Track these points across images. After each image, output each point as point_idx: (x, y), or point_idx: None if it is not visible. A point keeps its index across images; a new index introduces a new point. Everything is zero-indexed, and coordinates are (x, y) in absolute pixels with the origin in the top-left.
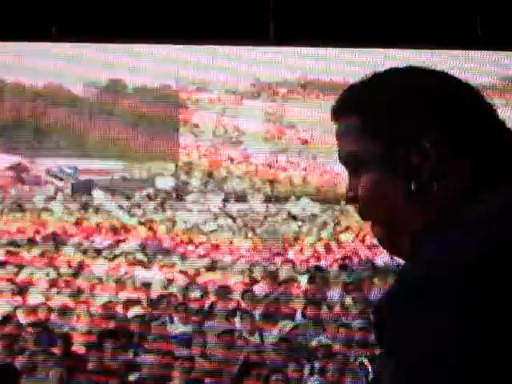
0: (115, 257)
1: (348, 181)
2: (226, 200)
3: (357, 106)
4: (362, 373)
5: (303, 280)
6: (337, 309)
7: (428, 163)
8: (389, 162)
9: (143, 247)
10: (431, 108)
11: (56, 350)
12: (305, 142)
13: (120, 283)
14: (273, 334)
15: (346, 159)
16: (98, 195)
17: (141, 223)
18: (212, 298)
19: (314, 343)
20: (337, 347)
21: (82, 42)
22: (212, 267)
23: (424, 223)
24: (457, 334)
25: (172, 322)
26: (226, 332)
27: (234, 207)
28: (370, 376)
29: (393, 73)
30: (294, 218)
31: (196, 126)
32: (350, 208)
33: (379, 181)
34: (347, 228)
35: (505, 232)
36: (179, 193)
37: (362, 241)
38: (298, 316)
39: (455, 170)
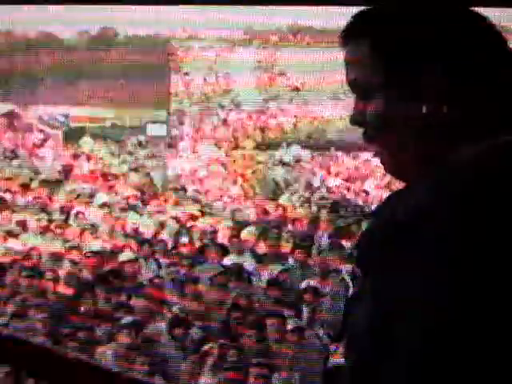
0: (106, 203)
1: (354, 103)
2: (217, 146)
3: (369, 31)
4: (342, 290)
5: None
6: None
7: (439, 89)
8: (399, 86)
9: (135, 193)
10: (446, 39)
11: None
12: (296, 88)
13: (112, 230)
14: (263, 277)
15: (356, 83)
16: (89, 142)
17: (132, 170)
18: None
19: (302, 286)
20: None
21: None
22: (203, 213)
23: (427, 151)
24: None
25: (159, 266)
26: (219, 274)
27: (225, 154)
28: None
29: (407, 2)
30: (285, 164)
31: (187, 74)
32: (340, 154)
33: (389, 105)
34: (337, 174)
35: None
36: (171, 140)
37: (348, 188)
38: (290, 260)
39: (466, 103)
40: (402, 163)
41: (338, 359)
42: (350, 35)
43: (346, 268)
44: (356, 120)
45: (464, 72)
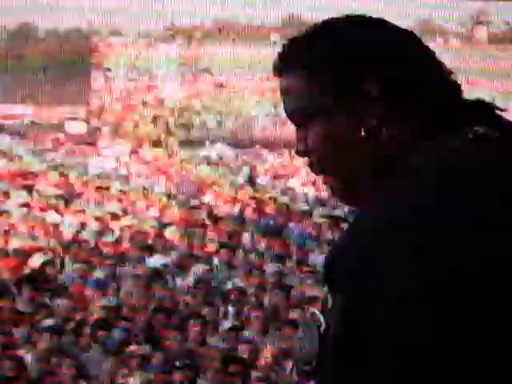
0: (25, 203)
1: (296, 134)
2: (139, 145)
3: (302, 61)
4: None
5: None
6: (251, 255)
7: (376, 109)
8: (338, 111)
9: (55, 192)
10: (379, 58)
11: None
12: (220, 85)
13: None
14: (187, 278)
15: (293, 113)
16: (5, 140)
17: (51, 168)
18: (126, 242)
19: (228, 287)
20: (251, 291)
21: None
22: (126, 212)
23: (373, 170)
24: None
25: (89, 267)
26: (142, 276)
27: (148, 152)
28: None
29: (336, 24)
30: (209, 162)
31: (108, 69)
32: (264, 152)
33: (330, 130)
34: (265, 171)
35: (438, 186)
36: (90, 137)
37: (273, 186)
38: (214, 260)
39: (403, 117)
40: (354, 189)
41: None
42: (283, 67)
43: (269, 269)
44: (300, 152)
45: (400, 92)
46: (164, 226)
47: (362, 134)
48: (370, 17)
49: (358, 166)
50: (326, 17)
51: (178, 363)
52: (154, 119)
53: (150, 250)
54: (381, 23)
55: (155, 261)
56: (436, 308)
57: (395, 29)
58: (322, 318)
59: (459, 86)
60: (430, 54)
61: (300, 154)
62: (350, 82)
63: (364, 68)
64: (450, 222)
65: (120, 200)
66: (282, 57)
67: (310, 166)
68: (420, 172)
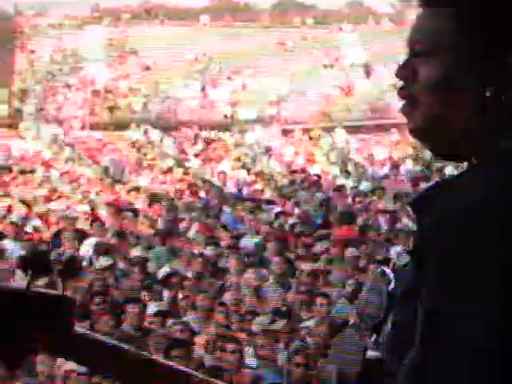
0: None
1: (407, 59)
2: (64, 128)
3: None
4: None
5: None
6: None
7: (508, 81)
8: (469, 54)
9: None
10: None
11: None
12: (147, 68)
13: None
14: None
15: (421, 38)
16: None
17: None
18: (56, 226)
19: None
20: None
21: None
22: (52, 196)
23: (479, 132)
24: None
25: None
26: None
27: (72, 135)
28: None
29: None
30: (135, 145)
31: (33, 51)
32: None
33: (452, 68)
34: (197, 155)
35: None
36: (13, 120)
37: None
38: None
39: None
40: (435, 130)
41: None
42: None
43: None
44: (402, 74)
45: None
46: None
47: (488, 93)
48: None
49: (461, 118)
50: None
51: None
52: (78, 101)
53: (84, 234)
54: None
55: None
56: None
57: None
58: (391, 276)
59: None
60: None
61: (400, 77)
62: (497, 37)
63: None
64: None
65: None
66: None
67: (401, 90)
68: None
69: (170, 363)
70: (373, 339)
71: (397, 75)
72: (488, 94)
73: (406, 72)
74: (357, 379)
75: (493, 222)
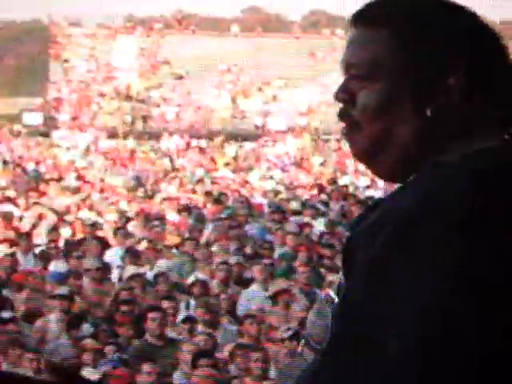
0: None
1: (345, 82)
2: (96, 137)
3: (387, 15)
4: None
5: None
6: (214, 248)
7: (450, 100)
8: (408, 77)
9: (12, 184)
10: (465, 40)
11: None
12: (179, 77)
13: None
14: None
15: (358, 63)
16: None
17: (5, 162)
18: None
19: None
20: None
21: None
22: (87, 205)
23: (419, 150)
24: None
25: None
26: (98, 268)
27: (104, 144)
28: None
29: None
30: (167, 154)
31: (67, 61)
32: (227, 146)
33: (391, 92)
34: (227, 164)
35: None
36: (47, 129)
37: (233, 180)
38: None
39: (471, 110)
40: (377, 155)
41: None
42: (364, 18)
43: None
44: (341, 98)
45: (477, 83)
46: (127, 219)
47: (428, 112)
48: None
49: (404, 139)
50: (289, 8)
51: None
52: (112, 111)
53: (107, 243)
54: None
55: (114, 253)
56: None
57: (478, 16)
58: (335, 298)
59: None
60: (503, 45)
61: (338, 99)
62: (431, 54)
63: (448, 46)
64: None
65: (78, 191)
66: (364, 9)
67: (342, 113)
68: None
69: None
70: None
71: (336, 98)
72: (429, 114)
73: (344, 95)
74: None
75: (415, 233)
